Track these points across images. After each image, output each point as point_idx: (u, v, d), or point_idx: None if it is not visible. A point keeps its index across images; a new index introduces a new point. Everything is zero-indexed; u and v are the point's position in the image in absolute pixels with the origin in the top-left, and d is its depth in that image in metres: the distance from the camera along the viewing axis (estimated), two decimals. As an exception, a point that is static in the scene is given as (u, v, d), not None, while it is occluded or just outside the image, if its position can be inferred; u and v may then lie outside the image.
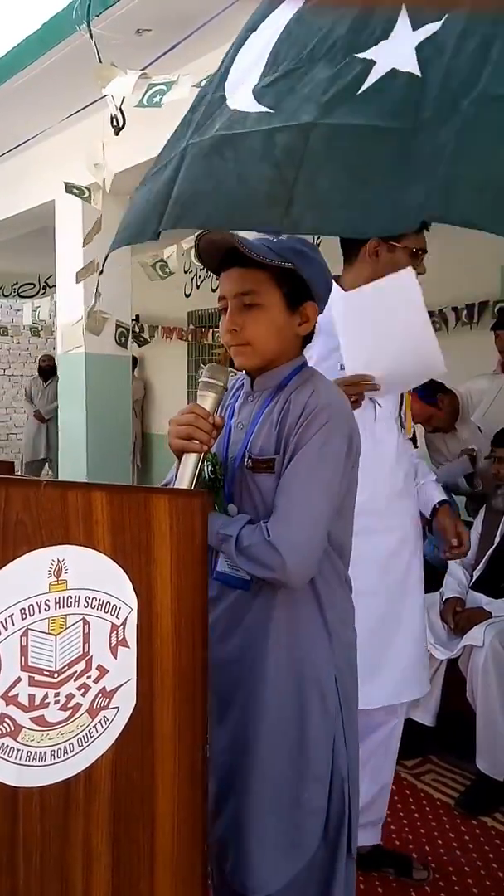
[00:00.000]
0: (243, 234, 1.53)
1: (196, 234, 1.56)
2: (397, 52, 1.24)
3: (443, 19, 1.22)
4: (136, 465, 8.13)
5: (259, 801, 1.56)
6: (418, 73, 1.21)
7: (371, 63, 1.26)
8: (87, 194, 3.84)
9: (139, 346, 7.22)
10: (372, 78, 1.25)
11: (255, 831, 1.55)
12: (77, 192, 3.84)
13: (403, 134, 1.19)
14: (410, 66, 1.22)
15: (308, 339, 1.65)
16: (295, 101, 1.33)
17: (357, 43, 1.30)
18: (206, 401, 1.51)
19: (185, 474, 1.47)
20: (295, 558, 1.45)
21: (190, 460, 1.48)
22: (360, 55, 1.28)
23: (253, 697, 1.58)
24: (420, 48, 1.22)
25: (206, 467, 1.62)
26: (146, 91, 2.77)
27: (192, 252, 3.82)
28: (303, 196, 1.26)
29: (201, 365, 7.30)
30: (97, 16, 3.13)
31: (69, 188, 3.86)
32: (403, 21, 1.25)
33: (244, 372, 1.68)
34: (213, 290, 6.34)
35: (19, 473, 8.77)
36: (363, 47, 1.28)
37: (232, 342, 1.57)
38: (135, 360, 8.11)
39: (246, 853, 1.56)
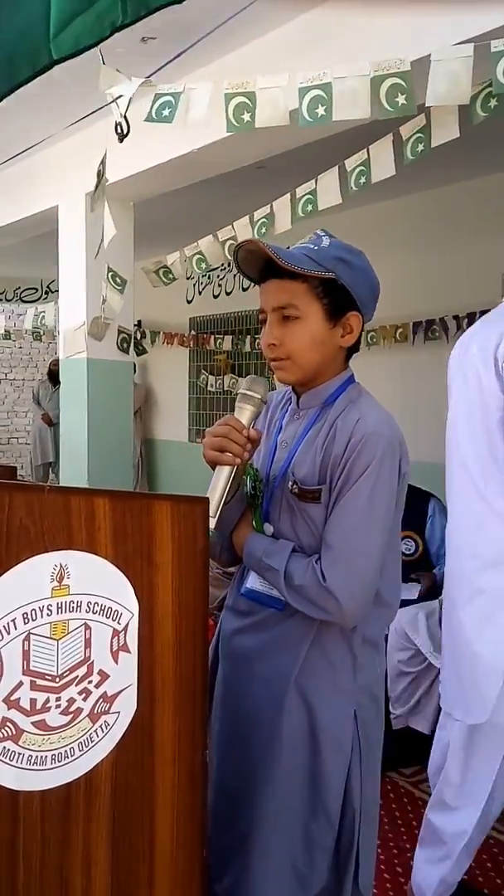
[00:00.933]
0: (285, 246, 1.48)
1: (234, 247, 1.51)
2: None
3: None
4: (139, 472, 8.13)
5: (268, 834, 1.52)
6: None
7: None
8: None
9: (137, 355, 7.22)
10: None
11: (261, 866, 1.52)
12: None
13: None
14: None
15: (353, 350, 1.59)
16: None
17: None
18: (243, 413, 1.47)
19: (217, 486, 1.43)
20: (352, 603, 1.42)
21: (223, 473, 1.44)
22: None
23: (270, 723, 1.54)
24: None
25: (247, 482, 1.59)
26: (153, 103, 2.78)
27: (197, 258, 3.85)
28: None
29: (203, 371, 7.32)
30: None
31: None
32: None
33: (291, 389, 1.63)
34: (215, 297, 6.41)
35: (24, 476, 8.79)
36: None
37: (271, 356, 1.53)
38: (134, 367, 8.12)
39: (251, 886, 1.53)
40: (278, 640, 1.55)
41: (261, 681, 1.55)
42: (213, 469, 1.46)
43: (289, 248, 1.51)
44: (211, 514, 1.38)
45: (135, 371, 8.16)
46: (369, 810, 1.58)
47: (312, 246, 1.50)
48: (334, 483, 1.45)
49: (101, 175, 3.29)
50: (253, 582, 1.59)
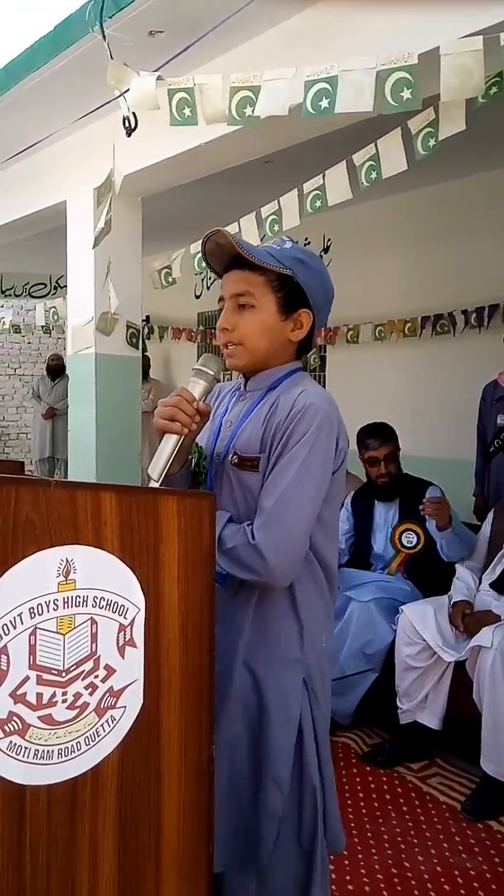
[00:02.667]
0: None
1: (203, 238, 1.59)
2: None
3: None
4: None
5: (222, 808, 1.54)
6: None
7: None
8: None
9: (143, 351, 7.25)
10: None
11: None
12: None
13: None
14: None
15: (304, 346, 1.68)
16: None
17: None
18: (196, 387, 1.55)
19: (162, 453, 1.50)
20: (278, 561, 1.48)
21: (170, 441, 1.51)
22: None
23: (220, 698, 1.55)
24: None
25: (191, 459, 1.66)
26: (170, 102, 2.77)
27: (200, 256, 3.84)
28: None
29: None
30: (110, 17, 3.14)
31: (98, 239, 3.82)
32: None
33: (241, 376, 1.72)
34: (223, 292, 6.21)
35: (32, 470, 8.82)
36: None
37: (224, 339, 1.62)
38: (147, 363, 8.13)
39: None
40: (223, 617, 1.56)
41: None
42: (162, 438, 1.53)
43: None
44: (155, 478, 1.48)
45: (149, 366, 8.21)
46: (327, 775, 1.64)
47: (275, 246, 1.62)
48: (273, 450, 1.54)
49: (110, 179, 3.29)
50: None
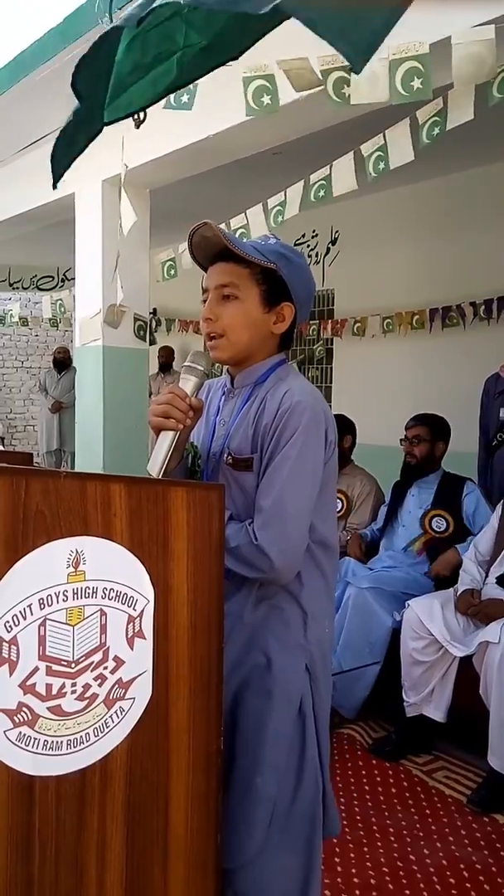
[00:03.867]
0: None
1: (190, 230, 1.61)
2: None
3: None
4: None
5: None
6: None
7: None
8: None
9: (150, 344, 7.27)
10: None
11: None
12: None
13: None
14: None
15: (286, 340, 1.71)
16: None
17: None
18: (187, 384, 1.58)
19: (159, 451, 1.52)
20: (282, 560, 1.52)
21: (166, 438, 1.54)
22: None
23: (226, 687, 1.59)
24: None
25: (187, 457, 1.69)
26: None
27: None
28: None
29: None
30: (119, 9, 3.13)
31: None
32: None
33: (226, 372, 1.75)
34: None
35: (39, 463, 8.84)
36: None
37: (207, 330, 1.65)
38: (170, 355, 8.11)
39: None
40: (228, 610, 1.57)
41: None
42: (158, 435, 1.56)
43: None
44: (154, 475, 1.50)
45: (173, 358, 8.20)
46: (325, 760, 1.67)
47: (260, 241, 1.66)
48: (265, 450, 1.58)
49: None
50: None
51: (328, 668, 1.71)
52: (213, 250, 1.64)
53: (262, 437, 1.58)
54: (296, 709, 1.61)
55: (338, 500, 3.99)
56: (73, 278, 5.19)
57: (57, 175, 1.46)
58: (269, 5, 0.99)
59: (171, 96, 2.78)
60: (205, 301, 1.66)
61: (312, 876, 1.63)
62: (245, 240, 1.63)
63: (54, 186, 1.46)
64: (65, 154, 1.47)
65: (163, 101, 2.79)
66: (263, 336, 1.66)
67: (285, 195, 3.59)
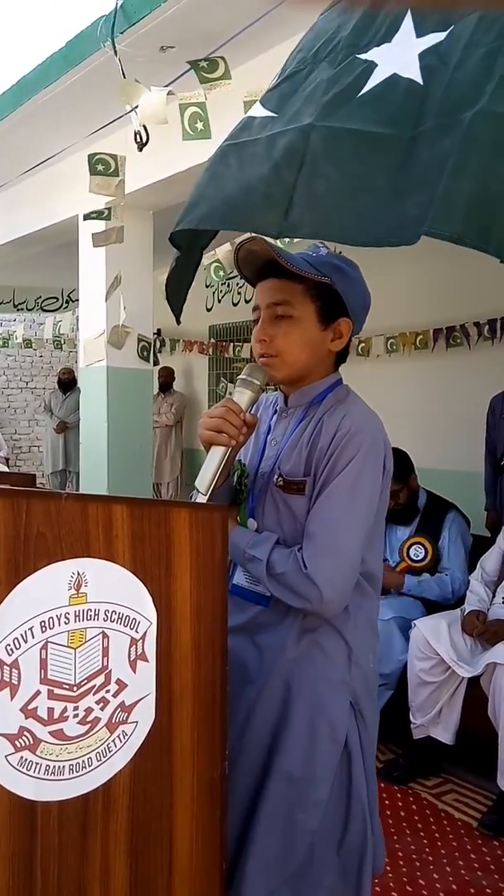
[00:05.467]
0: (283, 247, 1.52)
1: (236, 245, 1.54)
2: (399, 56, 1.20)
3: (448, 29, 1.18)
4: (180, 483, 8.13)
5: (261, 837, 1.51)
6: (420, 80, 1.17)
7: (372, 65, 1.22)
8: (106, 214, 3.86)
9: (154, 364, 7.28)
10: (373, 81, 1.21)
11: (254, 864, 1.51)
12: (96, 215, 3.86)
13: (402, 142, 1.15)
14: (412, 72, 1.18)
15: (342, 356, 1.63)
16: (297, 104, 1.29)
17: (359, 43, 1.26)
18: (242, 397, 1.51)
19: (210, 466, 1.46)
20: (332, 591, 1.44)
21: (217, 453, 1.47)
22: (361, 56, 1.24)
23: (259, 714, 1.55)
24: (423, 56, 1.18)
25: (234, 476, 1.62)
26: (182, 117, 2.79)
27: (215, 266, 3.85)
28: (302, 199, 1.20)
29: (222, 378, 7.32)
30: (121, 33, 3.16)
31: (87, 216, 3.87)
32: (408, 26, 1.21)
33: (279, 389, 1.67)
34: (234, 305, 6.42)
35: (44, 483, 8.84)
36: (365, 48, 1.24)
37: (261, 351, 1.56)
38: (170, 375, 8.12)
39: (242, 871, 1.51)
40: (270, 642, 1.55)
41: (255, 685, 1.56)
42: (208, 450, 1.49)
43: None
44: (203, 492, 1.44)
45: (173, 379, 8.21)
46: (373, 797, 1.60)
47: (311, 253, 1.56)
48: (318, 475, 1.49)
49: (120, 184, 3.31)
50: (238, 578, 1.61)
51: (374, 703, 1.63)
52: (260, 264, 1.55)
53: (316, 461, 1.49)
54: (341, 747, 1.53)
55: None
56: (77, 300, 5.21)
57: (178, 311, 1.54)
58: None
59: (188, 126, 2.81)
60: (256, 320, 1.57)
61: None
62: (294, 251, 1.56)
63: (178, 322, 1.56)
64: (179, 290, 1.54)
65: (182, 132, 2.83)
66: (321, 355, 1.57)
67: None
